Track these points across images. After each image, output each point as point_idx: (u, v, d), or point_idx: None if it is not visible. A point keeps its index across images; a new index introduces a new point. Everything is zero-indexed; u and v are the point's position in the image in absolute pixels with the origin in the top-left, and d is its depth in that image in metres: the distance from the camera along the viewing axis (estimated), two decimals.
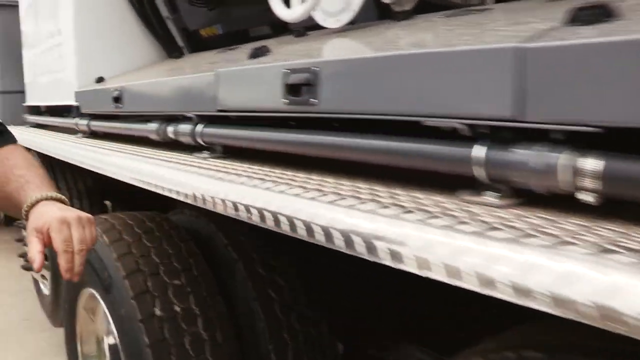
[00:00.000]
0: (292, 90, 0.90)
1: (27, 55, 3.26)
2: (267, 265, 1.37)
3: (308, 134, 0.91)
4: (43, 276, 2.87)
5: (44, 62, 2.80)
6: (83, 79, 2.30)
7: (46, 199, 0.94)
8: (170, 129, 1.38)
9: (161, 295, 1.29)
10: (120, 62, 2.38)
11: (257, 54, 1.17)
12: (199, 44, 2.18)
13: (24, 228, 2.11)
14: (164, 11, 2.23)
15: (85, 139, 2.15)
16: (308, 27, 1.41)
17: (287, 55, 1.20)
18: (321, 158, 0.89)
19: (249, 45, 1.57)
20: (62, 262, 0.88)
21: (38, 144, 2.43)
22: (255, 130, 1.08)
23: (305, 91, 0.87)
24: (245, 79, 1.12)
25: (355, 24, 1.26)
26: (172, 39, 2.27)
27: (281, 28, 1.68)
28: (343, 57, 0.95)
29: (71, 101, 2.31)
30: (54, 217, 0.89)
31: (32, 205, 0.93)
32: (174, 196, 1.03)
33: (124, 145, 1.74)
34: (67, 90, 2.36)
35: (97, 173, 1.54)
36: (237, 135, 1.13)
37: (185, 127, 1.29)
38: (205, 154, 1.27)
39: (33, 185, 0.98)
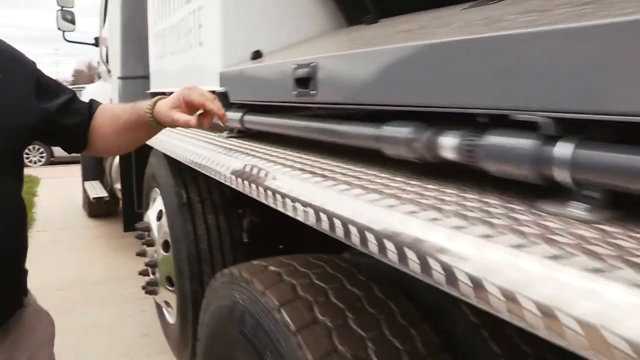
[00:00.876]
0: None
1: (154, 33, 2.71)
2: None
3: None
4: (167, 303, 2.36)
5: (175, 38, 2.25)
6: (230, 55, 1.66)
7: (157, 99, 1.12)
8: (452, 142, 0.71)
9: None
10: (278, 33, 1.73)
11: None
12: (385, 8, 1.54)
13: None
14: None
15: (234, 140, 1.53)
16: None
17: None
18: None
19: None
20: (214, 106, 1.09)
21: (158, 143, 1.86)
22: None
23: None
24: None
25: None
26: (358, 1, 1.59)
27: None
28: None
29: (213, 86, 1.67)
30: (178, 91, 1.10)
31: (154, 103, 1.11)
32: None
33: (295, 153, 1.20)
34: (207, 72, 1.77)
35: None
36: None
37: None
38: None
39: (140, 102, 1.15)
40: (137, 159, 3.25)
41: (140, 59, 3.35)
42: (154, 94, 2.08)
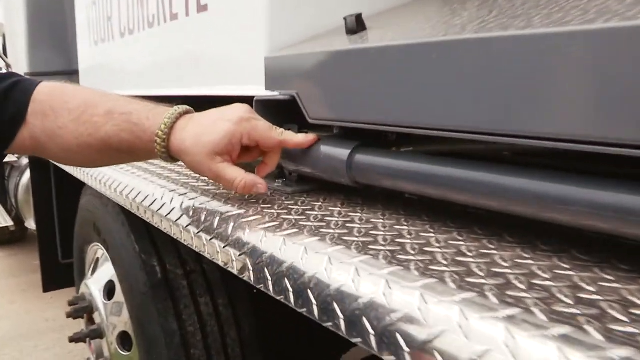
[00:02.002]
0: None
1: (88, 15, 1.80)
2: None
3: None
4: None
5: (141, 13, 1.34)
6: (278, 36, 0.85)
7: (178, 115, 0.75)
8: None
9: None
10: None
11: None
12: None
13: None
14: None
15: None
16: None
17: None
18: None
19: None
20: (301, 141, 0.77)
21: (99, 178, 1.05)
22: None
23: None
24: None
25: None
26: None
27: None
28: None
29: (245, 86, 0.88)
30: (227, 125, 0.72)
31: (170, 131, 0.73)
32: None
33: None
34: (230, 61, 0.96)
35: None
36: None
37: None
38: None
39: (137, 108, 0.76)
40: (57, 178, 2.31)
41: (57, 49, 2.41)
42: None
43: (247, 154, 0.81)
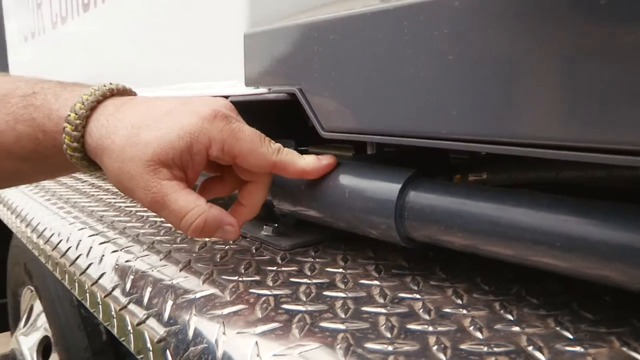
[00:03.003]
0: None
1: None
2: None
3: None
4: None
5: None
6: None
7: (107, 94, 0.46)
8: None
9: None
10: None
11: None
12: None
13: None
14: None
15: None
16: None
17: None
18: None
19: None
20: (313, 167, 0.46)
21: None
22: None
23: None
24: None
25: None
26: None
27: None
28: None
29: (215, 86, 0.55)
30: (196, 118, 0.42)
31: (86, 118, 0.44)
32: None
33: None
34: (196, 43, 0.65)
35: None
36: None
37: None
38: None
39: (46, 87, 0.47)
40: None
41: None
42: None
43: (217, 183, 0.50)
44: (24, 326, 1.41)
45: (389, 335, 0.34)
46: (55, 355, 1.16)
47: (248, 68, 0.54)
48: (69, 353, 1.07)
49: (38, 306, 1.33)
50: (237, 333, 0.35)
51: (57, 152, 0.45)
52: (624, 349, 0.32)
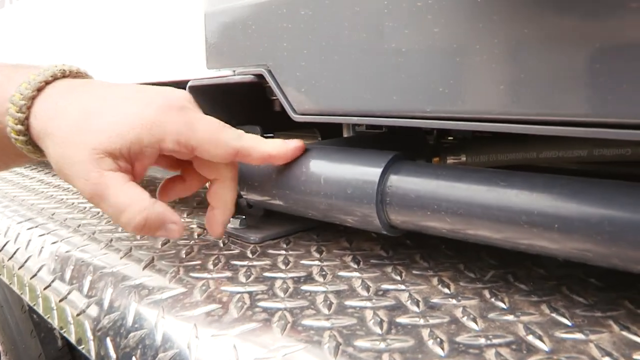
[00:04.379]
0: None
1: None
2: None
3: None
4: None
5: None
6: None
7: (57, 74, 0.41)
8: None
9: None
10: None
11: None
12: None
13: None
14: None
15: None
16: None
17: None
18: None
19: None
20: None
21: None
22: None
23: None
24: None
25: None
26: None
27: None
28: None
29: (171, 70, 0.50)
30: (150, 108, 0.39)
31: (32, 98, 0.39)
32: None
33: None
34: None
35: None
36: None
37: None
38: None
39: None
40: None
41: None
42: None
43: (178, 182, 0.46)
44: None
45: (379, 330, 0.31)
46: None
47: (210, 49, 0.50)
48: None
49: None
50: (212, 336, 0.32)
51: (5, 136, 0.41)
52: (624, 333, 0.31)
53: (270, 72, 0.44)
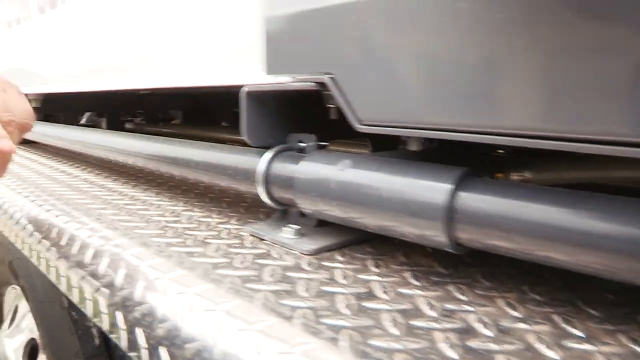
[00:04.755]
0: None
1: None
2: None
3: None
4: None
5: None
6: None
7: None
8: None
9: None
10: None
11: None
12: None
13: None
14: None
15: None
16: None
17: None
18: None
19: None
20: None
21: None
22: None
23: None
24: None
25: None
26: None
27: None
28: None
29: (230, 74, 0.50)
30: None
31: None
32: None
33: None
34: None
35: None
36: None
37: None
38: None
39: None
40: None
41: None
42: None
43: None
44: (9, 325, 1.34)
45: (454, 355, 0.30)
46: (44, 358, 1.11)
47: (270, 54, 0.49)
48: (59, 357, 1.02)
49: (24, 306, 1.27)
50: (279, 353, 0.31)
51: None
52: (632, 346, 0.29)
53: (333, 80, 0.43)
